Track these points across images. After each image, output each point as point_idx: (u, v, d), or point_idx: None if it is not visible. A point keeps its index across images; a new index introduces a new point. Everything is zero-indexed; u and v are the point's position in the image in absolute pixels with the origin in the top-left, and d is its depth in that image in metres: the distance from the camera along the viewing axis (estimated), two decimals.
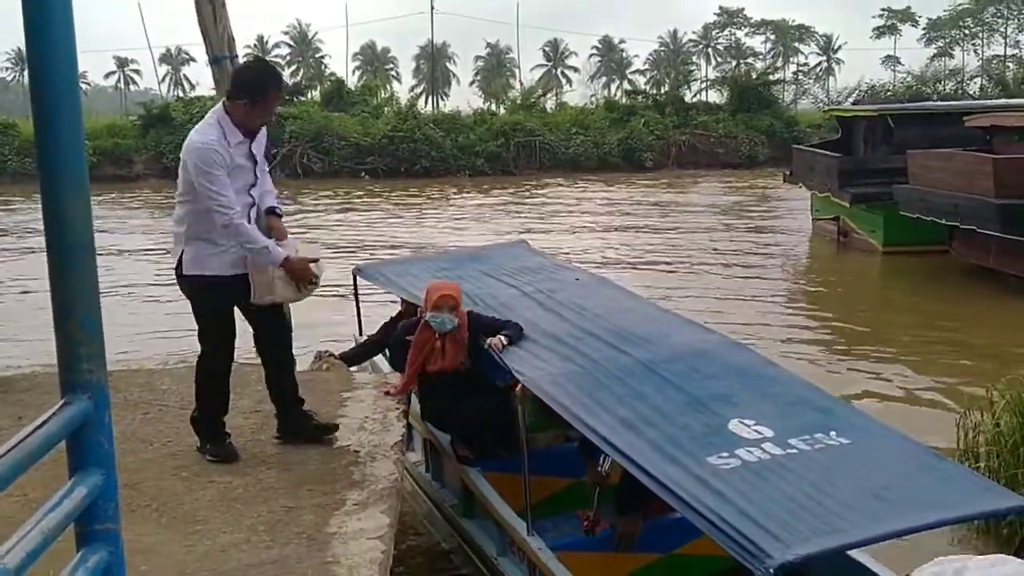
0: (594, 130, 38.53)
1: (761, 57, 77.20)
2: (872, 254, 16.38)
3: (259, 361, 4.63)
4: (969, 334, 11.03)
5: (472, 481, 4.71)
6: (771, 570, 2.62)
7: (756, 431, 3.46)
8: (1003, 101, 25.59)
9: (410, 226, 21.47)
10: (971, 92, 50.48)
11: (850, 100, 45.14)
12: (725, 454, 3.28)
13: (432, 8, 63.06)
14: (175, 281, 4.28)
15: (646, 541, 4.30)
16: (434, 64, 73.54)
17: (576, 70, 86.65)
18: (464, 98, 63.79)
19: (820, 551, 2.76)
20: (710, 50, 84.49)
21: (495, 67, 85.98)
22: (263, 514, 3.59)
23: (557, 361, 4.35)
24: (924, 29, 80.00)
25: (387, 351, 5.97)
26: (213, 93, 5.82)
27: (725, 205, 24.99)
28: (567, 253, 15.39)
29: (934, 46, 77.81)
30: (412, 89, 76.65)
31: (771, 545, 2.71)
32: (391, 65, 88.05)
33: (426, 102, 61.55)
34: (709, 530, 2.92)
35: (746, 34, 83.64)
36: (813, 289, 14.87)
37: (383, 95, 44.40)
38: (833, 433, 3.46)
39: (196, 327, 4.32)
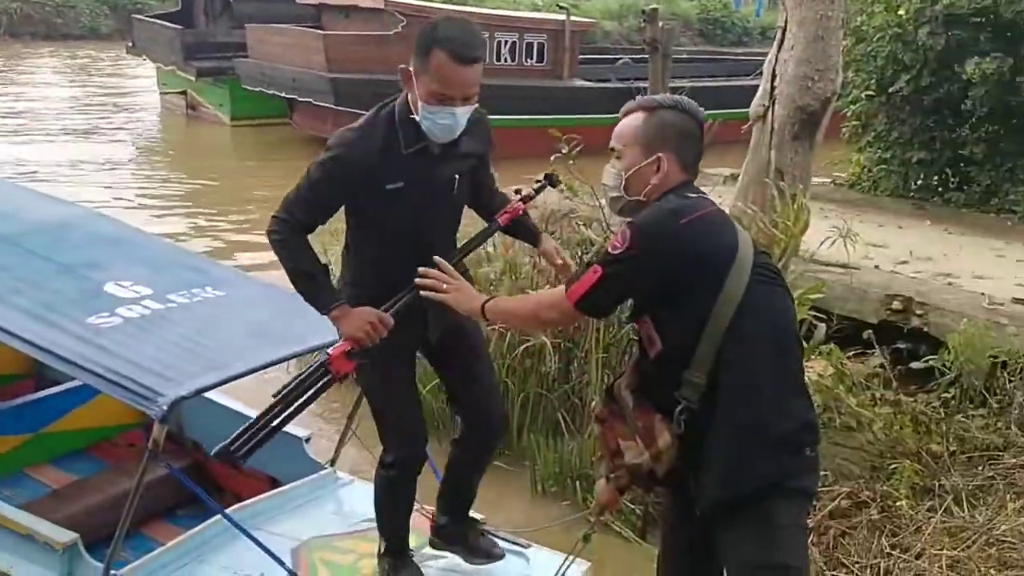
0: None
1: None
2: (221, 127, 16.65)
3: None
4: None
5: None
6: (165, 407, 2.75)
7: (134, 291, 3.51)
8: None
9: None
10: None
11: None
12: (105, 313, 3.30)
13: None
14: None
15: (14, 424, 4.13)
16: None
17: None
18: None
19: (210, 384, 2.97)
20: None
21: None
22: None
23: None
24: None
25: None
26: None
27: (69, 78, 23.04)
28: None
29: None
30: None
31: (162, 386, 2.83)
32: None
33: None
34: (100, 384, 2.94)
35: None
36: (166, 163, 14.62)
37: None
38: (208, 288, 3.66)
39: None
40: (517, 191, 3.01)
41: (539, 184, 3.06)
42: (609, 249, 2.23)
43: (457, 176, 2.80)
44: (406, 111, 2.68)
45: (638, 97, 2.41)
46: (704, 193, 2.35)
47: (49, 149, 14.27)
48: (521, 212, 2.96)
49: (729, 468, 2.22)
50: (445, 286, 2.57)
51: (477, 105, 2.76)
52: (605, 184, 2.43)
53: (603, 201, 5.37)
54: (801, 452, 2.27)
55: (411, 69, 2.63)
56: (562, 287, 2.35)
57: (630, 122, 2.36)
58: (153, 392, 2.81)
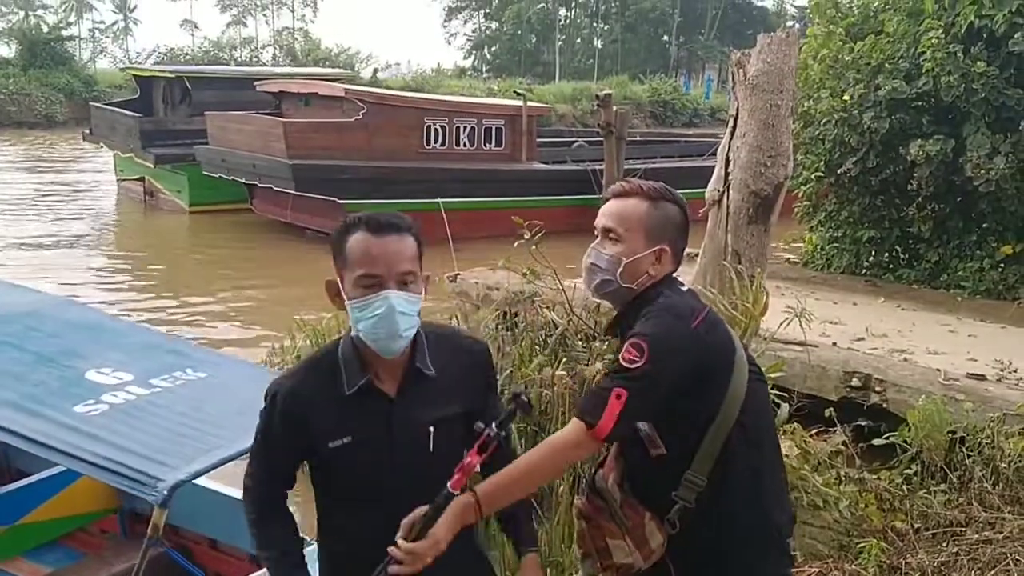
0: None
1: (52, 10, 72.00)
2: (180, 214, 16.64)
3: None
4: (276, 278, 12.08)
5: None
6: (165, 492, 2.73)
7: (116, 377, 3.47)
8: (290, 69, 27.87)
9: None
10: (264, 60, 53.74)
11: (150, 61, 44.68)
12: (91, 401, 3.26)
13: None
14: None
15: None
16: None
17: None
18: None
19: (207, 467, 2.94)
20: None
21: None
22: None
23: None
24: None
25: None
26: None
27: (25, 167, 22.94)
28: None
29: (229, 14, 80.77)
30: None
31: (160, 471, 2.81)
32: None
33: None
34: (96, 473, 2.89)
35: None
36: (126, 251, 14.57)
37: None
38: (189, 370, 3.65)
39: None
40: (476, 431, 2.04)
41: (503, 416, 2.06)
42: (626, 365, 2.09)
43: (432, 428, 2.12)
44: (350, 341, 2.12)
45: (633, 181, 2.35)
46: (684, 283, 2.36)
47: (4, 238, 14.14)
48: (476, 468, 2.03)
49: (736, 566, 2.22)
50: (420, 563, 2.00)
51: (474, 339, 2.35)
52: (595, 264, 2.27)
53: (566, 283, 5.48)
54: (786, 542, 2.29)
55: (336, 280, 2.10)
56: (576, 422, 2.12)
57: (633, 208, 2.25)
58: (151, 478, 2.78)
